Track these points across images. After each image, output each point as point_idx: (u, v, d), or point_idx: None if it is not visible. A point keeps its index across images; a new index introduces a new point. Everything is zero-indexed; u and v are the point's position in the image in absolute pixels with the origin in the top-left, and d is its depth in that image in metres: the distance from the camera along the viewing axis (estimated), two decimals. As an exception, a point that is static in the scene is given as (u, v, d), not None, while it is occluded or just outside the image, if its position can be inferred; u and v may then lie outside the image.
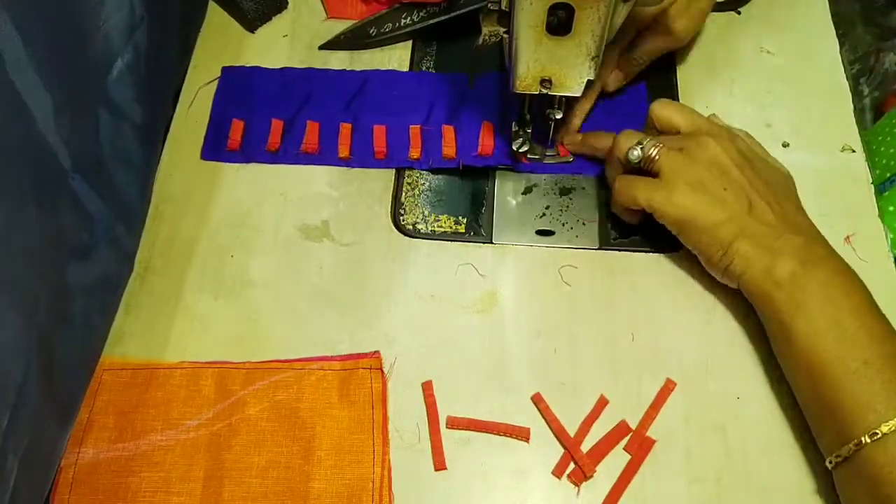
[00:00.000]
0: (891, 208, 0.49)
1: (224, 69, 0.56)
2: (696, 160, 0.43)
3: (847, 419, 0.36)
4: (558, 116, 0.47)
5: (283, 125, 0.53)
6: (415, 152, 0.51)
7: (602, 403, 0.43)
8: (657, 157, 0.43)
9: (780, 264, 0.40)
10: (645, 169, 0.44)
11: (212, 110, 0.54)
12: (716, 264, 0.43)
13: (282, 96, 0.54)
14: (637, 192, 0.44)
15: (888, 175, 0.52)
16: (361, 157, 0.51)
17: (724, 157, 0.43)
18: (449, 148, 0.51)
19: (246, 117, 0.53)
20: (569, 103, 0.50)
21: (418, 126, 0.52)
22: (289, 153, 0.52)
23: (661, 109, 0.46)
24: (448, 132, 0.52)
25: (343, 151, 0.52)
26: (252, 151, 0.52)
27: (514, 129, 0.48)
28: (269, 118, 0.53)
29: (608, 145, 0.47)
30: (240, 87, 0.55)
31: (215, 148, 0.52)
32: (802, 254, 0.40)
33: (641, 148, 0.44)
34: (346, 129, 0.52)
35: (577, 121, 0.52)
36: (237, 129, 0.52)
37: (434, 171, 0.52)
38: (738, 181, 0.42)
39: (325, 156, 0.52)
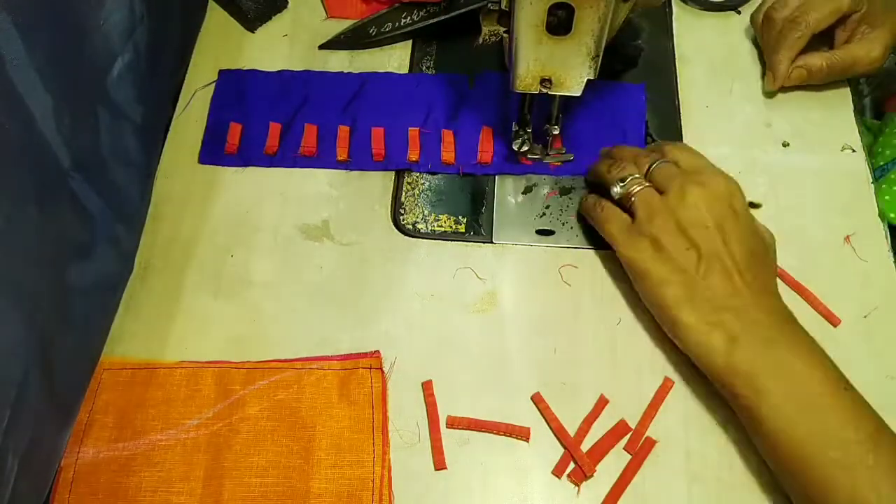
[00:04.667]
0: (887, 197, 0.50)
1: (221, 72, 0.55)
2: (671, 209, 0.41)
3: None
4: (555, 132, 0.48)
5: (280, 128, 0.53)
6: (413, 155, 0.51)
7: (602, 403, 0.43)
8: (634, 199, 0.43)
9: (733, 347, 0.38)
10: (623, 204, 0.44)
11: (209, 114, 0.54)
12: (663, 323, 0.42)
13: (279, 99, 0.54)
14: (607, 226, 0.45)
15: (881, 163, 0.52)
16: (360, 160, 0.51)
17: (702, 210, 0.40)
18: (448, 153, 0.51)
19: (243, 121, 0.53)
20: (567, 107, 0.50)
21: (417, 128, 0.52)
22: (287, 156, 0.52)
23: (670, 151, 0.45)
24: (447, 136, 0.52)
25: (341, 154, 0.52)
26: (250, 155, 0.52)
27: (514, 129, 0.48)
28: (267, 121, 0.53)
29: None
30: (237, 90, 0.55)
31: (213, 152, 0.52)
32: (763, 332, 0.38)
33: (622, 185, 0.44)
34: (344, 131, 0.52)
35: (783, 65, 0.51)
36: (235, 132, 0.52)
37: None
38: (706, 242, 0.40)
39: (323, 159, 0.52)
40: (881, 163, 0.53)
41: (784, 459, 0.37)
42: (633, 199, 0.43)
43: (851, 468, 0.34)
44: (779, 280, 0.46)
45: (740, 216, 0.41)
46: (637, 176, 0.44)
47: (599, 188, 0.48)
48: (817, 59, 0.51)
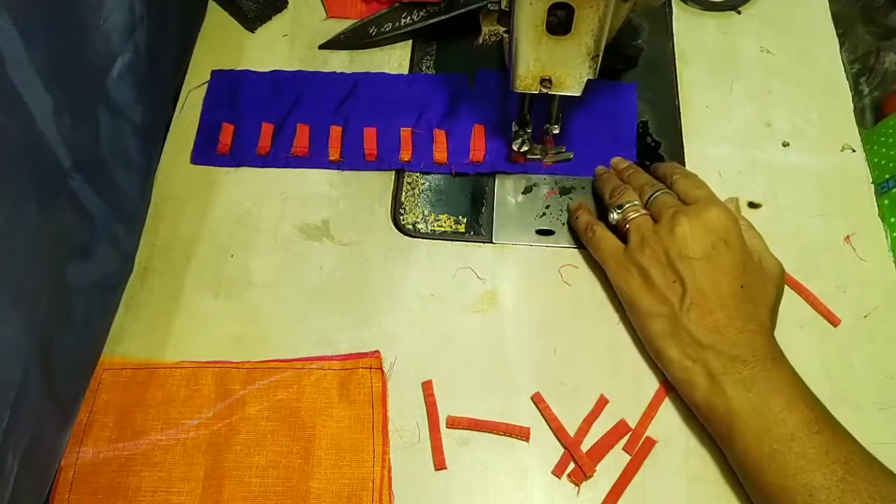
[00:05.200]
0: (892, 220, 0.49)
1: (214, 73, 0.55)
2: (660, 239, 0.41)
3: None
4: (556, 132, 0.48)
5: (273, 128, 0.53)
6: (405, 155, 0.51)
7: (602, 403, 0.43)
8: (628, 226, 0.44)
9: (712, 385, 0.38)
10: (619, 229, 0.45)
11: (201, 114, 0.54)
12: (649, 351, 0.43)
13: (271, 99, 0.54)
14: (599, 251, 0.45)
15: (887, 176, 0.52)
16: (352, 160, 0.51)
17: (690, 242, 0.40)
18: (440, 153, 0.51)
19: (235, 121, 0.53)
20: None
21: (409, 129, 0.52)
22: (279, 156, 0.52)
23: (676, 181, 0.45)
24: (439, 136, 0.52)
25: (333, 154, 0.52)
26: (242, 155, 0.52)
27: (514, 130, 0.48)
28: (259, 121, 0.53)
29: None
30: (229, 90, 0.55)
31: (205, 152, 0.52)
32: (744, 371, 0.38)
33: (619, 212, 0.45)
34: (336, 131, 0.52)
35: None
36: (227, 132, 0.52)
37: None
38: (691, 276, 0.40)
39: (315, 159, 0.52)
40: (886, 176, 0.53)
41: (754, 495, 0.38)
42: (627, 225, 0.44)
43: None
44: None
45: (733, 248, 0.40)
46: (636, 203, 0.44)
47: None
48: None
